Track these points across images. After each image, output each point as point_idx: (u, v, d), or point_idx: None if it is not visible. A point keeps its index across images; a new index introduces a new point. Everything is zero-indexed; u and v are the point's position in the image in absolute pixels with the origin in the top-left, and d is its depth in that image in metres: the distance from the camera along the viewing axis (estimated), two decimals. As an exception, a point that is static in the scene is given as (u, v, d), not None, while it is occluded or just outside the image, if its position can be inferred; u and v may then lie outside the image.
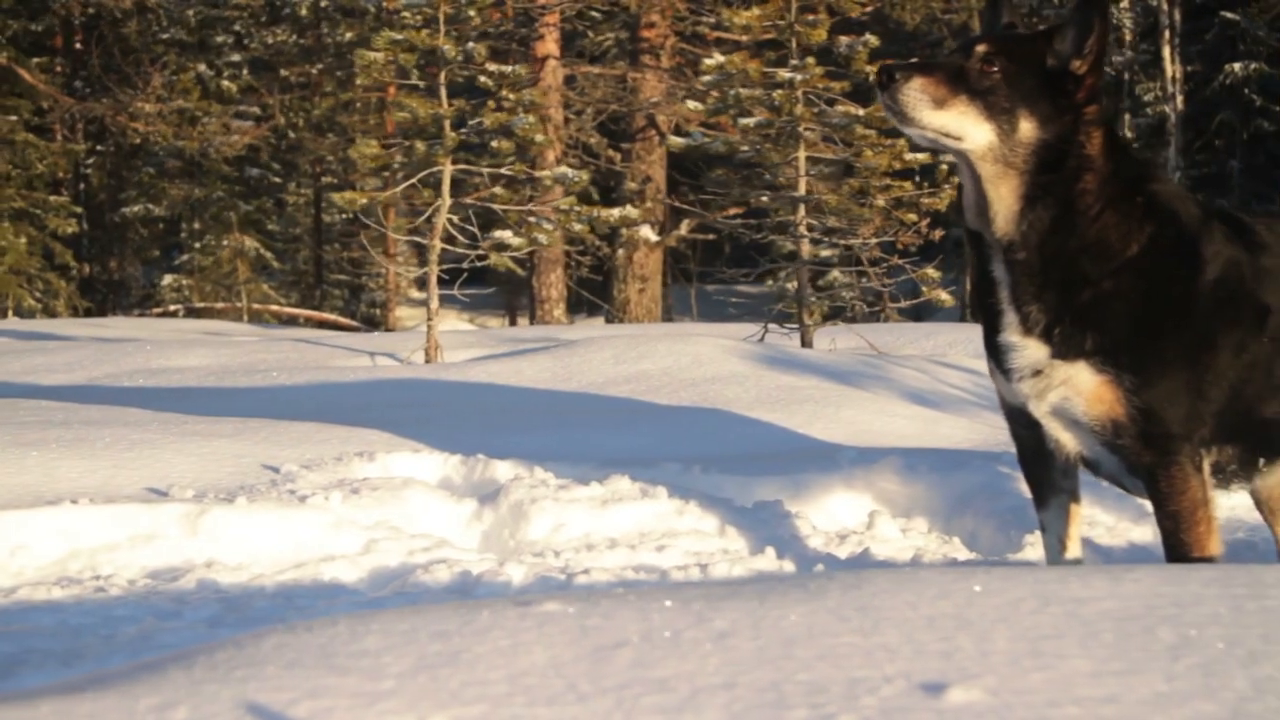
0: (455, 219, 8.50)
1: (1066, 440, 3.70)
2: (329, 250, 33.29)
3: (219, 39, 32.64)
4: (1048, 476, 3.90)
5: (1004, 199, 3.48)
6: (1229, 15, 28.52)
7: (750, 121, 9.54)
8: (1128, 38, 31.14)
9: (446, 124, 8.23)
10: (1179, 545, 3.65)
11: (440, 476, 5.01)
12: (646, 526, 4.57)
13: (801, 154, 9.67)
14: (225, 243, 31.77)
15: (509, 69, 8.71)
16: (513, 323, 32.38)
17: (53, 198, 29.04)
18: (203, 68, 30.40)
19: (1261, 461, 3.85)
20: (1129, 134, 30.94)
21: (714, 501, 4.70)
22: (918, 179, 10.66)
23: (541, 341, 8.79)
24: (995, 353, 3.70)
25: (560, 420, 5.87)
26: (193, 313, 28.56)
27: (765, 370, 6.97)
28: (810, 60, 9.66)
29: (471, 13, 8.19)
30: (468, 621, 2.04)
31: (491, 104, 8.55)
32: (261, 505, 4.16)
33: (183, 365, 7.79)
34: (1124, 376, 3.53)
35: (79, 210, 29.67)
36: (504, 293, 33.05)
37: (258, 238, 32.48)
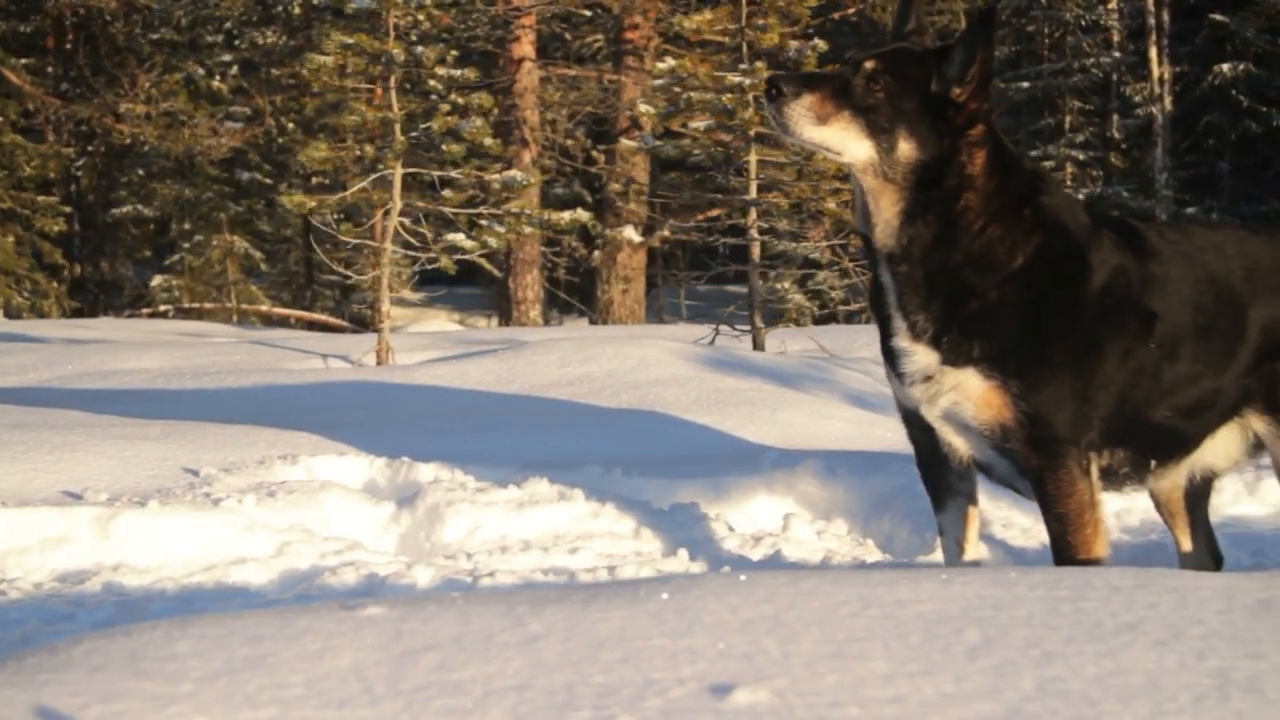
0: (407, 221, 8.57)
1: (959, 444, 3.77)
2: (320, 251, 33.35)
3: (209, 39, 32.66)
4: (944, 479, 3.96)
5: (884, 212, 3.54)
6: (1218, 18, 28.54)
7: (701, 125, 9.62)
8: (1116, 38, 31.20)
9: (396, 127, 8.30)
10: (1066, 547, 3.71)
11: (365, 479, 5.07)
12: (562, 529, 4.64)
13: (753, 158, 9.74)
14: (215, 243, 31.81)
15: (458, 72, 8.76)
16: (503, 323, 32.42)
17: (41, 198, 29.08)
18: (195, 68, 30.42)
19: (1153, 464, 3.91)
20: (1116, 135, 31.02)
21: (631, 504, 4.76)
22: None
23: (498, 344, 8.86)
24: (889, 356, 3.77)
25: (493, 423, 5.94)
26: (182, 313, 28.62)
27: (708, 373, 7.03)
28: (760, 65, 9.71)
29: (420, 17, 8.24)
30: (284, 625, 2.10)
31: (446, 107, 8.61)
32: (174, 508, 4.22)
33: (136, 368, 7.85)
34: (1011, 382, 3.59)
35: (67, 210, 29.68)
36: (492, 293, 33.12)
37: (248, 238, 32.51)
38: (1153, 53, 28.52)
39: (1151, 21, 28.59)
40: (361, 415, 6.02)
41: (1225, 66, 29.36)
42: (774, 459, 5.21)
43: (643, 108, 10.25)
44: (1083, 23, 30.98)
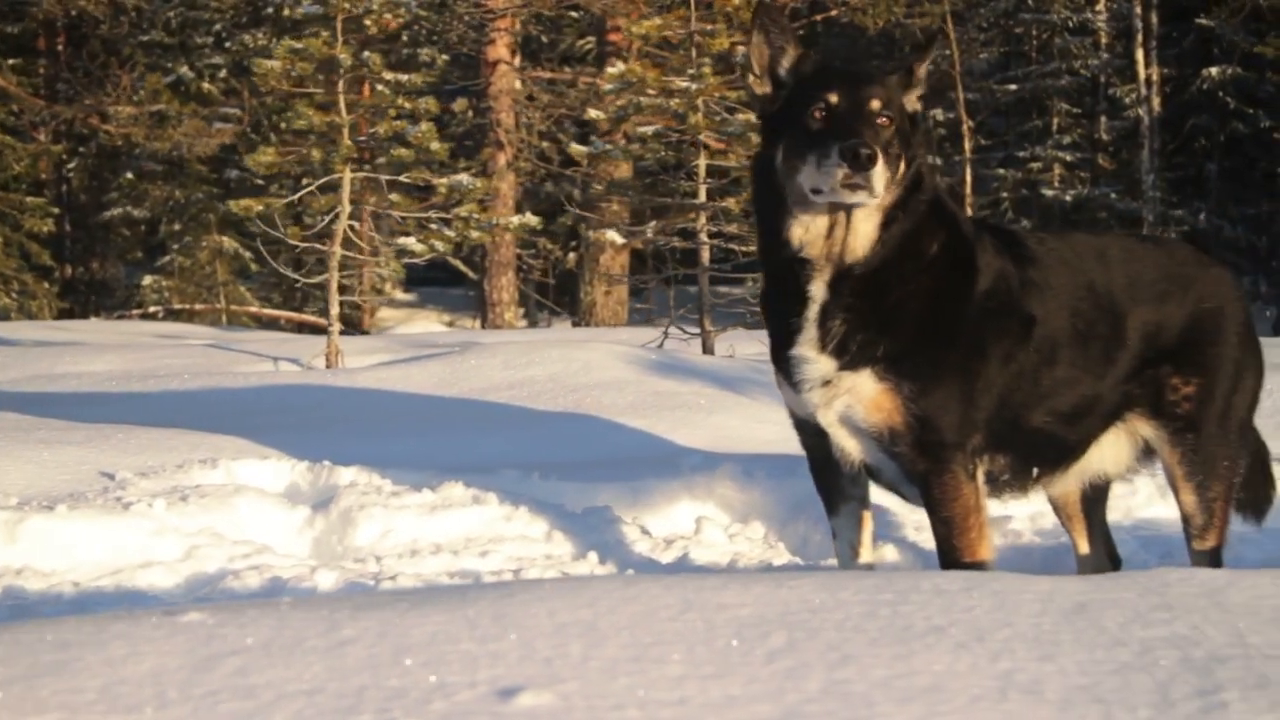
0: (356, 225, 8.64)
1: (851, 447, 3.82)
2: (308, 252, 33.42)
3: (199, 40, 32.70)
4: (837, 484, 4.02)
5: (867, 233, 3.57)
6: (1204, 21, 28.59)
7: (649, 130, 9.69)
8: (1104, 40, 31.25)
9: (345, 131, 8.36)
10: (951, 550, 3.77)
11: (288, 483, 5.12)
12: (475, 532, 4.69)
13: (702, 162, 9.81)
14: (204, 244, 31.84)
15: (405, 78, 8.83)
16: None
17: (30, 199, 29.13)
18: (184, 69, 30.46)
19: (1035, 471, 3.96)
20: (1104, 137, 31.08)
21: (545, 507, 4.82)
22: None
23: (451, 347, 8.91)
24: (784, 365, 3.81)
25: (425, 426, 6.00)
26: (172, 314, 28.67)
27: (650, 376, 7.09)
28: (706, 69, 9.77)
29: (368, 22, 8.31)
30: (99, 631, 2.16)
31: (393, 112, 8.69)
32: (83, 512, 4.28)
33: (86, 371, 7.92)
34: (903, 384, 3.64)
35: (56, 211, 29.74)
36: (479, 294, 33.18)
37: (237, 239, 32.54)
38: (1139, 55, 28.56)
39: (1138, 24, 28.63)
40: (294, 418, 6.08)
41: (1214, 70, 29.40)
42: (694, 463, 5.27)
43: (593, 113, 10.32)
44: (1070, 24, 31.04)
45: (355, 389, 6.87)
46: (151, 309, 30.01)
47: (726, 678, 2.11)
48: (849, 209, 3.52)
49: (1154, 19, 29.85)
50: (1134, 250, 4.08)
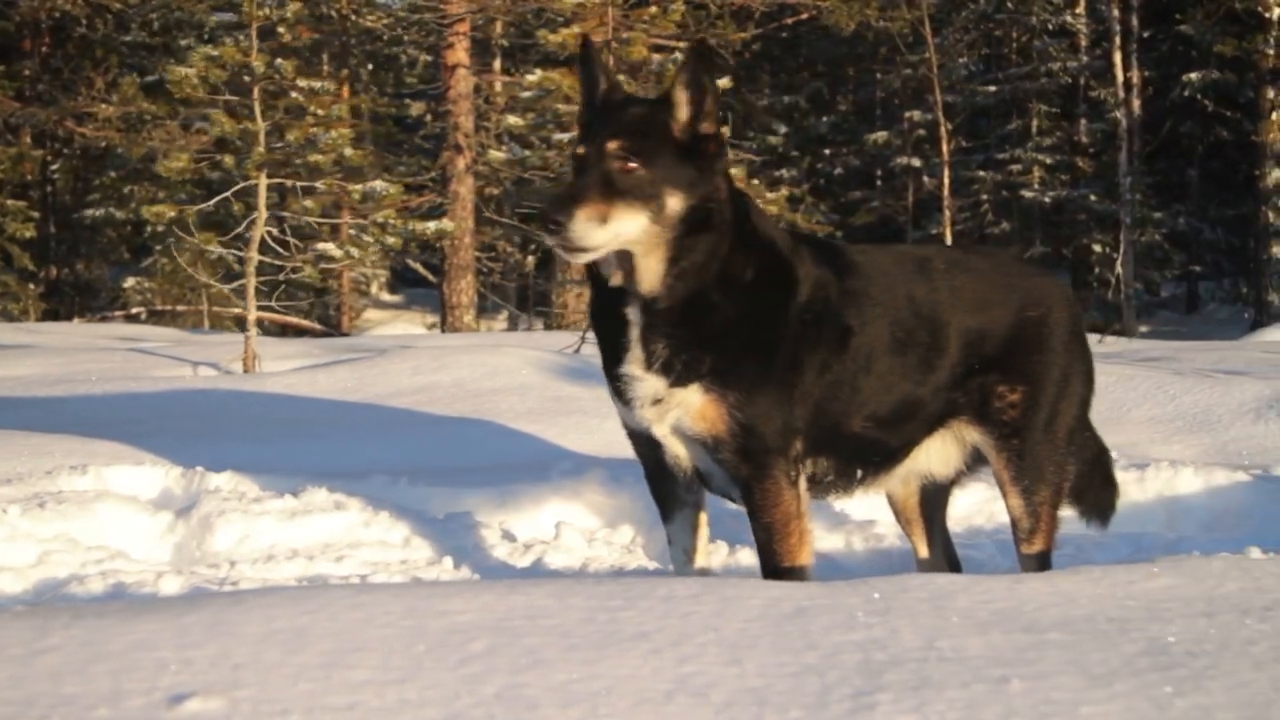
0: (274, 231, 8.72)
1: (682, 456, 3.88)
2: (292, 254, 33.54)
3: (184, 42, 32.75)
4: (672, 491, 4.08)
5: (654, 267, 3.61)
6: (1183, 28, 28.66)
7: (565, 137, 9.76)
8: (1083, 43, 31.31)
9: (261, 137, 8.44)
10: (772, 555, 3.83)
11: (161, 488, 5.18)
12: (334, 538, 4.75)
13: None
14: (186, 245, 31.82)
15: (319, 85, 8.91)
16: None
17: (11, 202, 29.20)
18: (167, 71, 30.43)
19: (859, 473, 4.02)
20: (1084, 139, 31.13)
21: (407, 513, 4.87)
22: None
23: (370, 352, 8.98)
24: (616, 382, 3.87)
25: (312, 432, 6.06)
26: (155, 316, 28.73)
27: (556, 381, 7.15)
28: (622, 77, 9.81)
29: (281, 29, 8.38)
30: None
31: (310, 119, 8.76)
32: (-66, 519, 4.34)
33: (5, 375, 7.98)
34: (728, 394, 3.70)
35: (36, 215, 29.81)
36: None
37: (220, 240, 32.46)
38: (1117, 58, 28.60)
39: (1116, 27, 28.67)
40: (189, 424, 6.14)
41: (1194, 75, 29.45)
42: (565, 468, 5.33)
43: (512, 120, 10.39)
44: (1050, 28, 31.13)
45: (260, 394, 6.93)
46: (134, 310, 30.10)
47: (407, 683, 2.18)
48: (632, 251, 3.57)
49: (1134, 22, 29.91)
50: (958, 260, 4.14)
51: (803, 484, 3.85)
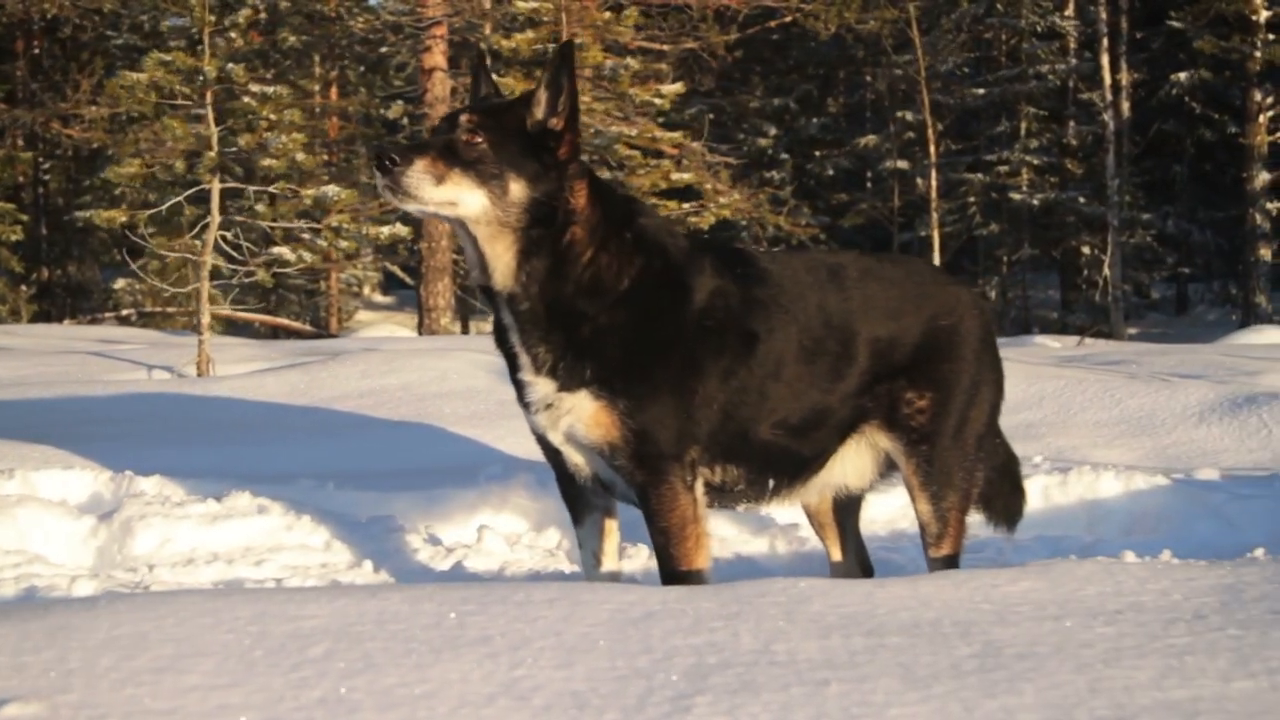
0: (228, 235, 8.74)
1: (580, 463, 3.91)
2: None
3: (174, 44, 32.69)
4: (581, 496, 4.10)
5: (501, 256, 3.68)
6: (1174, 25, 28.65)
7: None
8: (1072, 45, 31.34)
9: (214, 140, 8.46)
10: (669, 560, 3.86)
11: (91, 493, 5.20)
12: (255, 541, 4.77)
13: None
14: (177, 247, 31.85)
15: (271, 90, 8.93)
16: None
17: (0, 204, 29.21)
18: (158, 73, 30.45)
19: (772, 482, 4.03)
20: (1073, 141, 31.14)
21: (328, 516, 4.89)
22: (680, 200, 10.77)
23: (327, 354, 9.00)
24: (517, 389, 3.91)
25: (249, 437, 6.07)
26: (145, 317, 28.75)
27: (502, 385, 7.15)
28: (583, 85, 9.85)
29: (233, 34, 8.41)
30: None
31: (264, 124, 8.79)
32: None
33: (-40, 379, 8.02)
34: (619, 401, 3.73)
35: (24, 218, 29.86)
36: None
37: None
38: (1105, 60, 28.62)
39: (1104, 29, 28.70)
40: (129, 427, 6.16)
41: (1182, 76, 29.48)
42: (492, 472, 5.35)
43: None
44: (1039, 30, 31.15)
45: (205, 398, 6.95)
46: (124, 312, 30.14)
47: (235, 688, 2.20)
48: (470, 233, 3.64)
49: (1123, 24, 29.95)
50: (870, 268, 4.15)
51: (699, 489, 3.87)
